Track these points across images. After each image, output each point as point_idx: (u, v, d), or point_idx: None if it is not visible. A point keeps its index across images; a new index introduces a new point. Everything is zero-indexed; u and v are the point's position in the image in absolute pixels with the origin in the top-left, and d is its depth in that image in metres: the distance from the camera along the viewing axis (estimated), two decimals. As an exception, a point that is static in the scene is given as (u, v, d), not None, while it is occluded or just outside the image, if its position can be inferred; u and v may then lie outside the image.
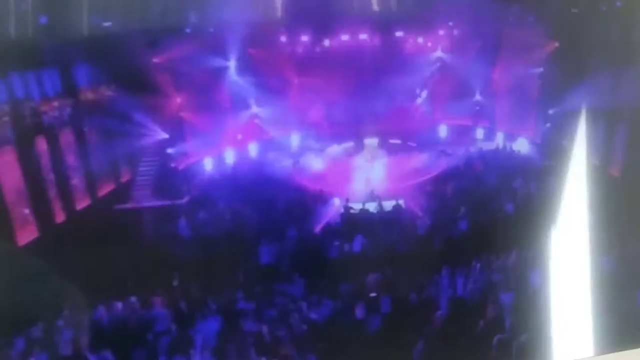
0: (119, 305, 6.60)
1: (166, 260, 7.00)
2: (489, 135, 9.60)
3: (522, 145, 9.47)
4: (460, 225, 8.13)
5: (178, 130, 8.31)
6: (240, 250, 7.49)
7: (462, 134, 9.57)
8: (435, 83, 9.08)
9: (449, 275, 7.32)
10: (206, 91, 8.28)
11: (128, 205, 7.87)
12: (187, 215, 7.80)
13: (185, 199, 8.06)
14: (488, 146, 9.50)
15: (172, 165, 8.39)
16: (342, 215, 8.22)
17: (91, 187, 7.79)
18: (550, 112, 8.69)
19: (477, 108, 9.36)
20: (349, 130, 9.07)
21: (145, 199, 7.99)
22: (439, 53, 9.05)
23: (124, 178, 8.18)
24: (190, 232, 7.71)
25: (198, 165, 8.67)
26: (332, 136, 9.06)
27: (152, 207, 7.88)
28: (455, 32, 8.87)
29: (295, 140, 9.17)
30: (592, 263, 6.45)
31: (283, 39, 8.80)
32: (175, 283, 6.97)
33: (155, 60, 7.61)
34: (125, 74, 7.40)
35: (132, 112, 7.54)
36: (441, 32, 8.97)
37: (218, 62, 8.27)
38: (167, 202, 7.94)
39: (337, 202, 8.27)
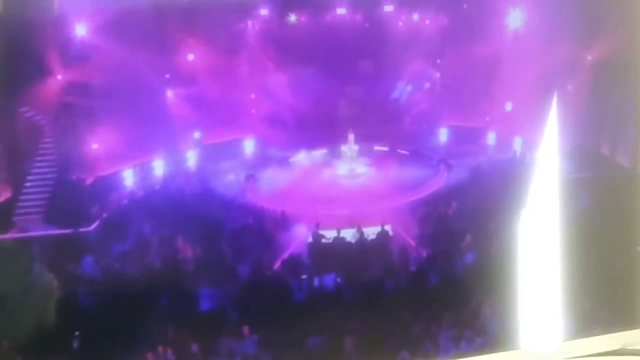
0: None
1: (63, 313, 5.83)
2: (504, 141, 8.45)
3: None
4: (466, 258, 7.22)
5: (84, 128, 6.80)
6: (171, 293, 6.38)
7: (468, 138, 8.51)
8: (434, 72, 8.12)
9: (450, 325, 6.51)
10: (127, 74, 6.89)
11: (7, 236, 6.42)
12: (95, 247, 6.55)
13: (94, 226, 6.73)
14: (502, 155, 8.39)
15: (75, 177, 6.93)
16: (310, 245, 7.22)
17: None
18: (582, 116, 7.63)
19: (489, 106, 8.30)
20: (321, 132, 7.92)
21: (33, 226, 6.59)
22: (440, 33, 7.97)
23: (2, 196, 6.62)
24: (99, 271, 6.45)
25: (114, 178, 7.31)
26: (298, 141, 7.91)
27: (45, 237, 6.54)
28: (465, 5, 7.69)
29: (249, 145, 8.00)
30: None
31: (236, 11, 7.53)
32: (75, 344, 5.88)
33: (55, 32, 6.13)
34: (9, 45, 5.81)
35: (14, 100, 6.01)
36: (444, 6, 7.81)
37: (148, 37, 6.90)
38: (66, 231, 6.59)
39: (303, 229, 7.30)
